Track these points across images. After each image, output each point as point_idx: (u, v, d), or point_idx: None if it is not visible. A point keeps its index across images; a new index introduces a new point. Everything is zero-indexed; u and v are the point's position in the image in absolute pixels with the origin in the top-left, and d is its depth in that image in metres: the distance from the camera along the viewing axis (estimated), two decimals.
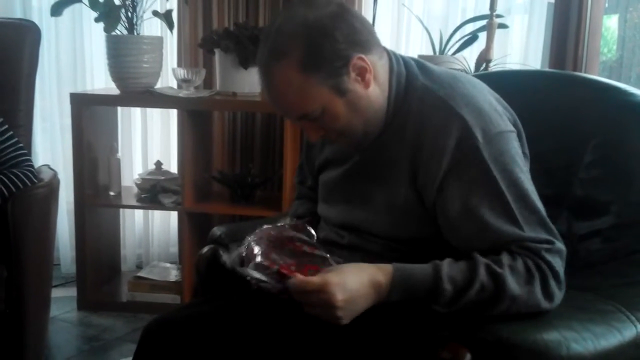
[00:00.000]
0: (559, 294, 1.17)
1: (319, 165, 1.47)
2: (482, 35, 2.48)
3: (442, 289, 1.13)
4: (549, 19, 2.70)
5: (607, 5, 2.72)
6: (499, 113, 1.25)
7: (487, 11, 2.42)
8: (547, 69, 2.57)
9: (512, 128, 1.26)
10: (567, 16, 2.57)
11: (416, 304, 1.15)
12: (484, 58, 2.37)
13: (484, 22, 2.47)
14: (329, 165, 1.43)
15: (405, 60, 1.30)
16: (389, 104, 1.26)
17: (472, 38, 2.58)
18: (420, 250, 1.26)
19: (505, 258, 1.15)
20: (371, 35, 1.24)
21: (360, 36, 1.21)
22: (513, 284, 1.13)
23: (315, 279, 1.12)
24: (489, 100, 1.27)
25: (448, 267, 1.15)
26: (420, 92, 1.26)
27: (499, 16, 2.44)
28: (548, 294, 1.16)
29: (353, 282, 1.13)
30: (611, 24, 3.01)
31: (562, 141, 1.46)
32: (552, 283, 1.16)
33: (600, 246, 1.39)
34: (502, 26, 2.54)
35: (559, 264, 1.18)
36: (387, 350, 1.18)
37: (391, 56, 1.29)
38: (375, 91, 1.24)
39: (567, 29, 2.57)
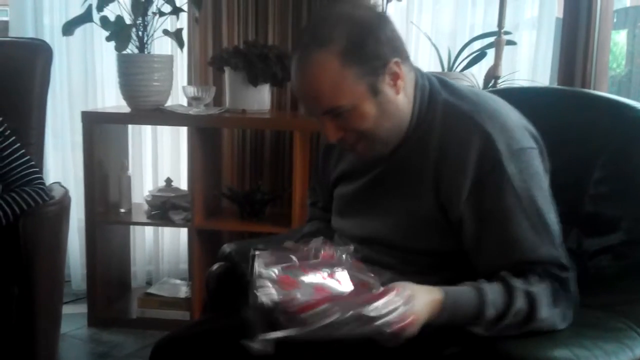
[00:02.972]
0: (571, 317, 1.21)
1: (334, 179, 1.46)
2: (491, 52, 2.49)
3: (485, 315, 1.14)
4: (557, 35, 2.70)
5: (615, 20, 2.72)
6: (521, 129, 1.27)
7: (495, 28, 2.43)
8: (555, 86, 2.57)
9: (533, 145, 1.27)
10: (576, 32, 2.57)
11: (455, 327, 1.15)
12: (492, 75, 2.38)
13: (492, 39, 2.47)
14: (345, 179, 1.43)
15: (428, 76, 1.32)
16: (412, 115, 1.28)
17: (481, 55, 2.58)
18: (438, 264, 1.27)
19: (535, 280, 1.17)
20: (405, 47, 1.27)
21: (399, 43, 1.24)
22: (544, 308, 1.16)
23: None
24: (512, 116, 1.29)
25: (490, 291, 1.16)
26: (442, 107, 1.28)
27: (507, 33, 2.45)
28: (565, 318, 1.19)
29: (421, 297, 1.12)
30: (620, 39, 3.02)
31: (571, 158, 1.46)
32: (571, 310, 1.20)
33: (611, 263, 1.39)
34: (510, 43, 2.55)
35: (576, 289, 1.22)
36: None
37: (416, 71, 1.31)
38: (403, 100, 1.25)
39: (576, 44, 2.57)
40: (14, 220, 1.97)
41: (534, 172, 1.24)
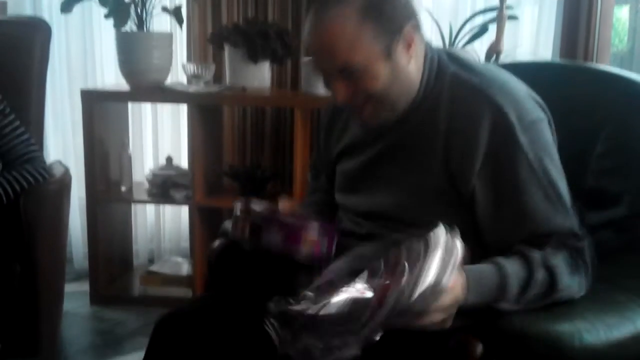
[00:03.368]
0: (587, 286, 1.22)
1: (337, 154, 1.45)
2: (492, 27, 2.47)
3: (509, 289, 1.14)
4: (559, 10, 2.68)
5: None
6: (530, 100, 1.28)
7: (496, 2, 2.41)
8: (558, 60, 2.55)
9: (543, 116, 1.28)
10: (578, 7, 2.55)
11: (483, 306, 1.14)
12: (494, 50, 2.36)
13: (494, 14, 2.46)
14: (348, 153, 1.42)
15: (437, 49, 1.33)
16: (421, 85, 1.28)
17: (482, 30, 2.57)
18: None
19: (550, 251, 1.17)
20: (419, 17, 1.27)
21: (414, 11, 1.25)
22: (564, 277, 1.16)
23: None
24: (520, 88, 1.30)
25: (509, 265, 1.16)
26: (450, 79, 1.28)
27: (509, 7, 2.43)
28: (582, 286, 1.20)
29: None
30: (622, 14, 2.99)
31: (574, 132, 1.46)
32: (587, 278, 1.21)
33: (613, 237, 1.39)
34: (512, 17, 2.53)
35: (591, 256, 1.22)
36: (399, 340, 1.18)
37: (426, 43, 1.31)
38: (413, 68, 1.26)
39: (578, 19, 2.55)
40: (14, 198, 1.97)
41: (545, 143, 1.24)
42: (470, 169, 1.22)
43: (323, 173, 1.57)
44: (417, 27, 1.25)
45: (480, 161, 1.21)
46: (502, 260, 1.16)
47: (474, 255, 1.19)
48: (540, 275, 1.15)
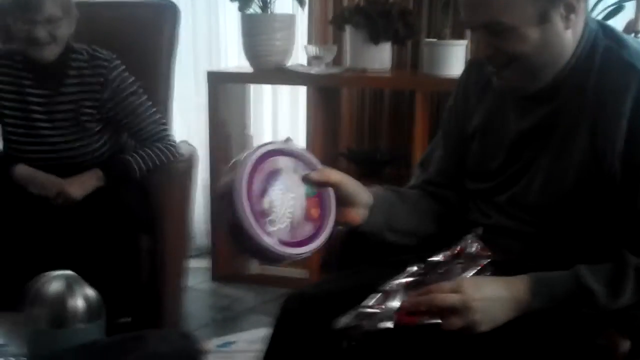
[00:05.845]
0: None
1: (471, 133, 1.36)
2: (629, 5, 2.32)
3: (588, 288, 1.09)
4: None
5: None
6: None
7: None
8: None
9: None
10: None
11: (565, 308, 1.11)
12: (631, 29, 2.23)
13: None
14: (479, 135, 1.35)
15: (595, 22, 1.24)
16: (572, 57, 1.20)
17: (618, 8, 2.42)
18: (579, 234, 1.20)
19: None
20: None
21: None
22: None
23: (449, 283, 1.11)
24: None
25: (588, 268, 1.12)
26: (602, 53, 1.20)
27: None
28: None
29: (488, 284, 1.12)
30: None
31: None
32: None
33: None
34: None
35: None
36: (543, 336, 1.13)
37: (587, 12, 1.23)
38: (569, 37, 1.18)
39: None
40: (147, 175, 2.05)
41: None
42: (612, 149, 1.14)
43: (445, 159, 1.43)
44: None
45: (622, 141, 1.14)
46: (581, 265, 1.13)
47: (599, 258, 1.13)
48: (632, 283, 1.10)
